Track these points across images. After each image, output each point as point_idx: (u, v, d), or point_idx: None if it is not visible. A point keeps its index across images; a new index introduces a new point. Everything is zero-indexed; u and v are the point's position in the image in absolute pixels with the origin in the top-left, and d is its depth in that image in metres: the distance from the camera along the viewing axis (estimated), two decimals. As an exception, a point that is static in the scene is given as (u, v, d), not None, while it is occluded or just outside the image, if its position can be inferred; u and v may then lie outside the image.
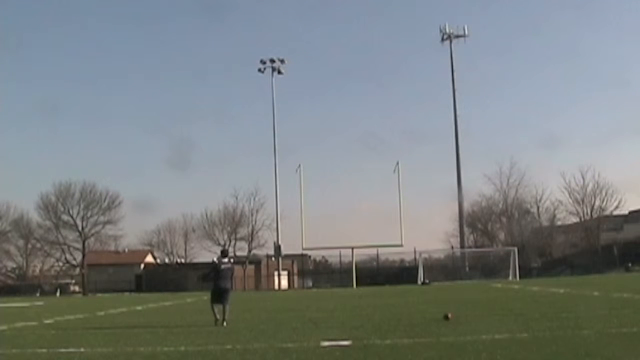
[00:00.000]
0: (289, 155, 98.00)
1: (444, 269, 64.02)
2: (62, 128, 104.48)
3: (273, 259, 63.62)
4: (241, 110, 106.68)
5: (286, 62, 65.46)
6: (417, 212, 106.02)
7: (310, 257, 71.02)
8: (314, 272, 72.18)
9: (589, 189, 65.91)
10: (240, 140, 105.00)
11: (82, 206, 65.40)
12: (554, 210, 70.19)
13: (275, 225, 62.47)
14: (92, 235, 66.36)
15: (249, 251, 66.15)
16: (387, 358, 8.77)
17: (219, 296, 14.61)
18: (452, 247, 70.07)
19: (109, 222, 66.32)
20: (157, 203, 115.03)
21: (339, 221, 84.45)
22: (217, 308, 14.59)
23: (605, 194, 65.24)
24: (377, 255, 64.27)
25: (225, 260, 15.17)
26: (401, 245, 54.59)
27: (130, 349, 10.58)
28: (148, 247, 79.00)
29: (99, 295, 56.24)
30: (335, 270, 66.06)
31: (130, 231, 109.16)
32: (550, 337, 9.89)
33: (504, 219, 73.28)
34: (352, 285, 51.37)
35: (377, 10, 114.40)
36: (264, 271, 64.81)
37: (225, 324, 14.14)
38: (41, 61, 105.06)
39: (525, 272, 55.39)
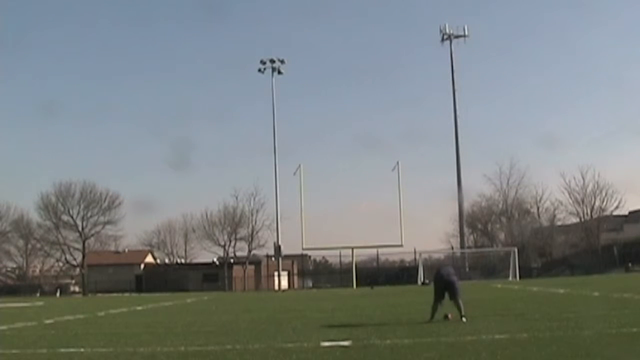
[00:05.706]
0: (289, 155, 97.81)
1: (443, 269, 63.82)
2: (62, 128, 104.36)
3: (273, 259, 63.60)
4: (241, 110, 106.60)
5: (286, 62, 65.63)
6: (417, 212, 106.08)
7: (310, 257, 71.04)
8: (314, 272, 72.16)
9: (589, 189, 65.97)
10: (240, 141, 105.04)
11: (82, 206, 65.50)
12: (554, 210, 70.24)
13: (275, 225, 62.55)
14: (92, 235, 66.37)
15: (249, 251, 66.24)
16: (387, 358, 8.77)
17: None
18: (452, 247, 70.07)
19: (109, 222, 66.42)
20: (157, 203, 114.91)
21: (339, 221, 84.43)
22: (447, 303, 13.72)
23: (605, 194, 65.29)
24: (377, 255, 64.28)
25: None
26: (401, 246, 54.70)
27: (130, 349, 10.57)
28: (148, 247, 78.89)
29: (99, 295, 56.22)
30: (335, 271, 66.08)
31: (130, 231, 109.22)
32: (550, 338, 9.88)
33: (504, 219, 73.29)
34: (352, 286, 51.36)
35: (377, 10, 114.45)
36: (264, 271, 64.79)
37: (464, 319, 13.21)
38: (41, 61, 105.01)
39: (525, 272, 55.34)
